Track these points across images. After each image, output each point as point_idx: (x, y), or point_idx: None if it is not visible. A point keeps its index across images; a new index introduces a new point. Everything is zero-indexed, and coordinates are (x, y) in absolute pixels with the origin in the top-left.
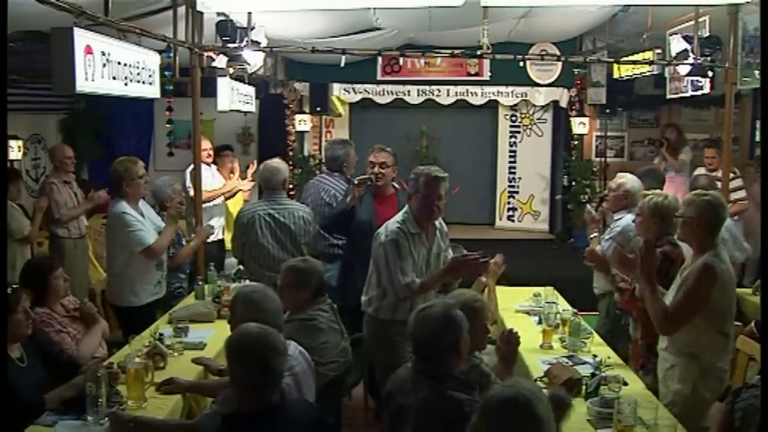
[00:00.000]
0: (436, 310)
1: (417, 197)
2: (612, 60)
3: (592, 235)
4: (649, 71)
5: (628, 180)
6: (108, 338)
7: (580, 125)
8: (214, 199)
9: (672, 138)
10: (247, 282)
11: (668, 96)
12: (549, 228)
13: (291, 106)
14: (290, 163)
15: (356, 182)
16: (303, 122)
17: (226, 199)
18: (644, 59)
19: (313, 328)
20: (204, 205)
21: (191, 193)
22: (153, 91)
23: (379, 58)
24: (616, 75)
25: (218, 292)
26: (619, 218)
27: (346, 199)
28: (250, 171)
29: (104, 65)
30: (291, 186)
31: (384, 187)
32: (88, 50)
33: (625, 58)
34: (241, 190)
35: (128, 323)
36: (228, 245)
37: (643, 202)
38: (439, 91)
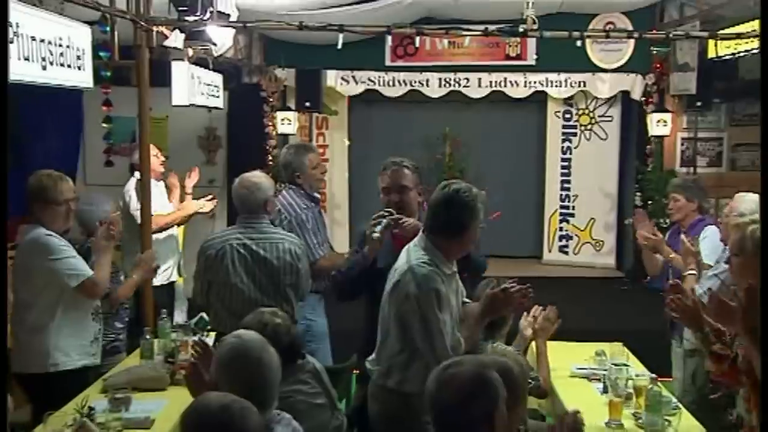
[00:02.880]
0: (465, 370)
1: (472, 229)
2: (706, 34)
3: (688, 271)
4: (759, 48)
5: (747, 201)
6: (10, 417)
7: (659, 124)
8: (169, 227)
9: None
10: (231, 333)
11: None
12: (616, 263)
13: (271, 100)
14: (270, 175)
15: (372, 227)
16: (287, 122)
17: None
18: (752, 31)
19: (289, 412)
20: (154, 238)
21: (138, 217)
22: (83, 79)
23: (389, 37)
24: (711, 54)
25: (173, 349)
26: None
27: (363, 252)
28: (190, 181)
29: (11, 41)
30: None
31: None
32: None
33: (724, 31)
34: (198, 213)
35: (44, 395)
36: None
37: (744, 234)
38: (468, 80)
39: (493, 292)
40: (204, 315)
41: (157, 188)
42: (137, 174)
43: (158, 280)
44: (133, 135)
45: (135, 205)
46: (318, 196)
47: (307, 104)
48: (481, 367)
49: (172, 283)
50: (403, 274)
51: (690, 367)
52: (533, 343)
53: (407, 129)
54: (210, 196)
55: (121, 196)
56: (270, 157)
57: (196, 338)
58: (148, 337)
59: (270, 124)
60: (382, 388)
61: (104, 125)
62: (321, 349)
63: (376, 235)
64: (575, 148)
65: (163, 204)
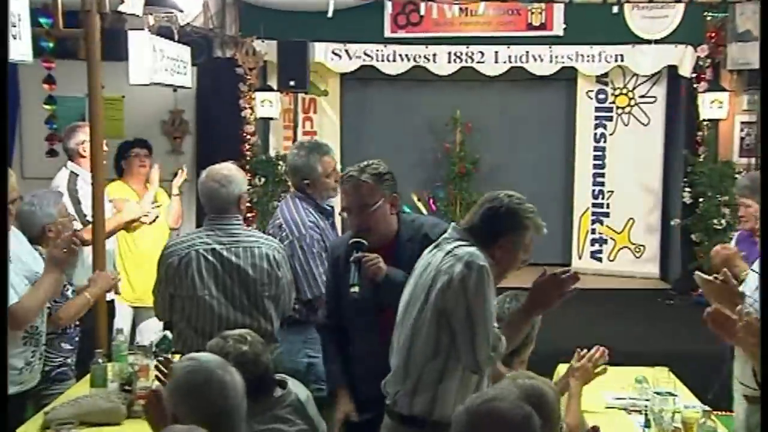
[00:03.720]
0: (507, 408)
1: (504, 241)
2: None
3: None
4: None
5: None
6: None
7: (712, 105)
8: (114, 233)
9: None
10: (185, 356)
11: None
12: (660, 272)
13: (249, 78)
14: (247, 169)
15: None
16: (268, 104)
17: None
18: None
19: None
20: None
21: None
22: (19, 50)
23: (389, 4)
24: None
25: (130, 375)
26: None
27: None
28: (177, 181)
29: None
30: (249, 205)
31: (378, 238)
32: None
33: None
34: (147, 218)
35: None
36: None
37: None
38: (483, 54)
39: (541, 279)
40: (168, 334)
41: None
42: (72, 165)
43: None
44: (81, 119)
45: (85, 203)
46: (330, 207)
47: (292, 83)
48: (523, 403)
49: (111, 302)
50: (442, 262)
51: (752, 412)
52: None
53: (410, 113)
54: (174, 191)
55: (71, 193)
56: (247, 146)
57: (155, 363)
58: (100, 360)
59: (247, 106)
60: (402, 420)
61: (46, 107)
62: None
63: (354, 291)
64: (611, 134)
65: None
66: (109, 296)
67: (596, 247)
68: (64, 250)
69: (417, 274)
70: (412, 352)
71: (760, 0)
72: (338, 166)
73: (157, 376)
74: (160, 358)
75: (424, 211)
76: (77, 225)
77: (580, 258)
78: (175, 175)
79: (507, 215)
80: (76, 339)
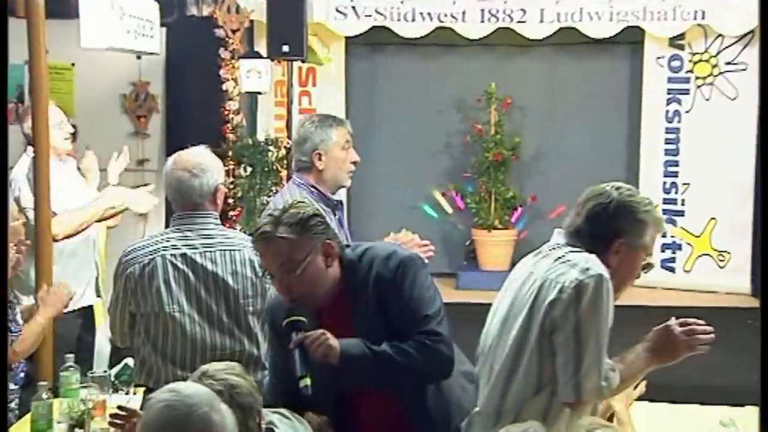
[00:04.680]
0: None
1: (619, 245)
2: None
3: None
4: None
5: None
6: None
7: None
8: (84, 229)
9: None
10: (165, 387)
11: None
12: (751, 286)
13: (231, 42)
14: (230, 156)
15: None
16: (256, 75)
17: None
18: None
19: None
20: (61, 243)
21: (31, 216)
22: None
23: None
24: None
25: (82, 414)
26: None
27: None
28: (116, 166)
29: None
30: (231, 201)
31: (316, 299)
32: None
33: None
34: (142, 207)
35: None
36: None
37: None
38: (524, 12)
39: (666, 326)
40: (130, 362)
41: (63, 171)
42: (31, 151)
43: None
44: (20, 91)
45: (29, 199)
46: (338, 200)
47: (285, 49)
48: None
49: (89, 308)
50: (550, 271)
51: None
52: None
53: (433, 86)
54: (148, 186)
55: (11, 184)
56: (229, 128)
57: (115, 396)
58: (44, 396)
59: (230, 77)
60: None
61: None
62: None
63: (304, 386)
64: (687, 112)
65: (74, 194)
66: (88, 301)
67: (668, 254)
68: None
69: (515, 287)
70: (509, 388)
71: (760, 0)
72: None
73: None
74: (116, 397)
75: (449, 210)
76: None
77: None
78: (141, 162)
79: (619, 212)
80: (21, 375)
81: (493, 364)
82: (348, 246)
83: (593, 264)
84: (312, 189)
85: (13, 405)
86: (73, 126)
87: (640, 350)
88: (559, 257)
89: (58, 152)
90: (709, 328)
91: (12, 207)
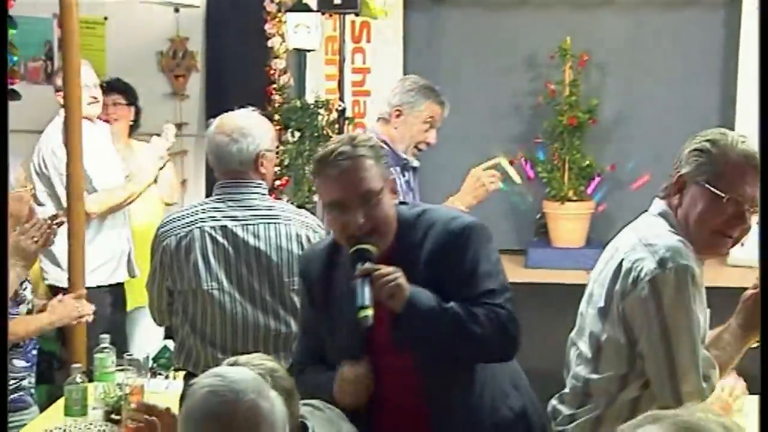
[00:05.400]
0: None
1: (704, 200)
2: None
3: None
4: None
5: None
6: None
7: None
8: (124, 205)
9: None
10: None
11: None
12: None
13: None
14: (276, 119)
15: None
16: (304, 30)
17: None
18: None
19: None
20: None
21: (61, 193)
22: None
23: None
24: None
25: (118, 400)
26: None
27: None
28: (165, 138)
29: None
30: (277, 170)
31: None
32: None
33: None
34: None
35: None
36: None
37: None
38: None
39: (752, 295)
40: (170, 344)
41: (93, 135)
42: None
43: (94, 280)
44: (48, 47)
45: (52, 167)
46: (407, 159)
47: (337, 1)
48: None
49: (119, 285)
50: (631, 251)
51: None
52: None
53: (501, 41)
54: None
55: (37, 153)
56: (275, 88)
57: (153, 381)
58: (78, 380)
59: (275, 33)
60: None
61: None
62: None
63: (364, 316)
64: None
65: (110, 165)
66: (118, 278)
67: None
68: (35, 239)
69: (605, 258)
70: (592, 374)
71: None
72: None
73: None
74: (149, 385)
75: (517, 180)
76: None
77: (742, 245)
78: (179, 126)
79: (686, 145)
80: (34, 353)
81: (578, 343)
82: (404, 204)
83: (677, 253)
84: (382, 141)
85: (26, 383)
86: (103, 86)
87: (735, 327)
88: (645, 237)
89: (88, 114)
90: None
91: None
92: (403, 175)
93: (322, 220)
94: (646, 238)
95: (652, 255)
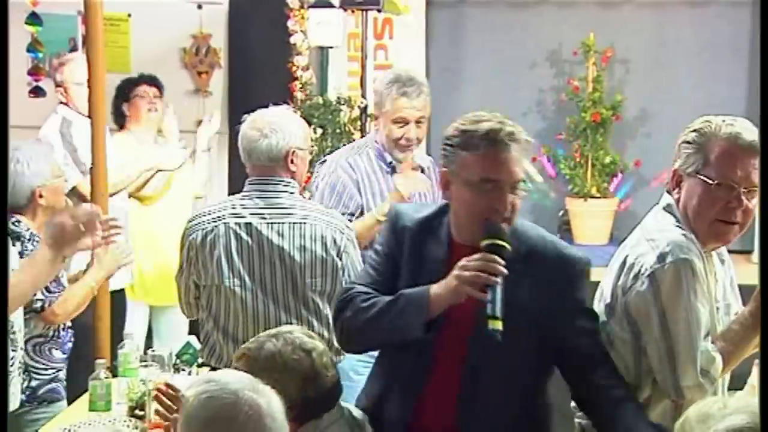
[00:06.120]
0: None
1: (698, 190)
2: None
3: None
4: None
5: None
6: None
7: None
8: (134, 180)
9: None
10: (198, 378)
11: None
12: None
13: None
14: (299, 114)
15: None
16: (326, 26)
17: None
18: None
19: None
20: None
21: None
22: None
23: None
24: None
25: (142, 396)
26: None
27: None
28: (205, 132)
29: None
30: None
31: None
32: None
33: None
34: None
35: None
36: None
37: None
38: None
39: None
40: (193, 340)
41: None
42: (63, 108)
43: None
44: (73, 45)
45: (61, 155)
46: (392, 165)
47: None
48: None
49: (120, 291)
50: (636, 245)
51: None
52: None
53: (524, 37)
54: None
55: (65, 145)
56: (298, 85)
57: (177, 377)
58: (102, 375)
59: (298, 29)
60: None
61: (28, 27)
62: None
63: (495, 330)
64: None
65: (133, 156)
66: (118, 284)
67: None
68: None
69: (621, 249)
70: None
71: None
72: (416, 126)
73: (157, 410)
74: (160, 384)
75: (538, 178)
76: (73, 178)
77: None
78: (200, 123)
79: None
80: (69, 345)
81: None
82: None
83: (677, 247)
84: (376, 142)
85: (61, 375)
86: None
87: (747, 315)
88: (649, 233)
89: (81, 111)
90: None
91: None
92: (383, 175)
93: None
94: (650, 233)
95: (653, 250)
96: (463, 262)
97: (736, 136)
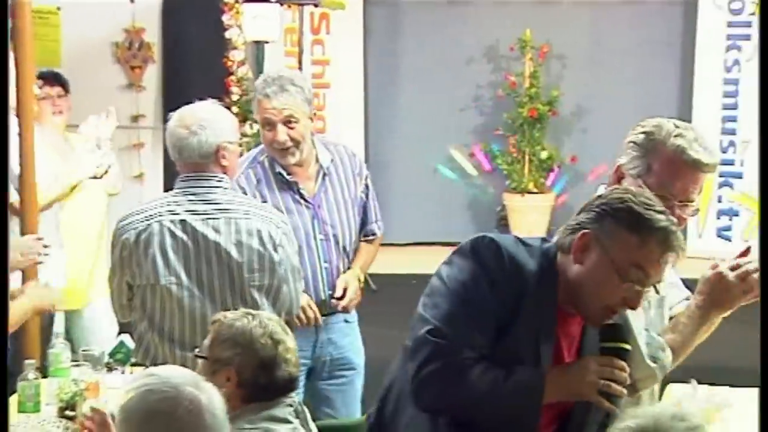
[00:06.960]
0: None
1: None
2: None
3: None
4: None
5: None
6: None
7: None
8: (62, 198)
9: None
10: (139, 373)
11: None
12: None
13: None
14: (234, 111)
15: None
16: (262, 21)
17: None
18: None
19: None
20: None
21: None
22: None
23: None
24: None
25: (73, 396)
26: None
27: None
28: (105, 127)
29: None
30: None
31: None
32: None
33: None
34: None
35: None
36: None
37: None
38: None
39: (717, 273)
40: (126, 339)
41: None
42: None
43: None
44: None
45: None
46: (287, 178)
47: None
48: None
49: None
50: None
51: None
52: None
53: (461, 33)
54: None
55: None
56: (234, 80)
57: (109, 376)
58: (31, 375)
59: (233, 23)
60: None
61: None
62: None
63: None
64: (748, 61)
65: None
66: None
67: (724, 221)
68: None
69: None
70: None
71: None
72: (286, 127)
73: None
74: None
75: (473, 172)
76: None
77: (700, 237)
78: (136, 118)
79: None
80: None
81: None
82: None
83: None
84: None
85: None
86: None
87: (693, 308)
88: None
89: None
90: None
91: None
92: (282, 190)
93: None
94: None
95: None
96: (595, 366)
97: (682, 150)
